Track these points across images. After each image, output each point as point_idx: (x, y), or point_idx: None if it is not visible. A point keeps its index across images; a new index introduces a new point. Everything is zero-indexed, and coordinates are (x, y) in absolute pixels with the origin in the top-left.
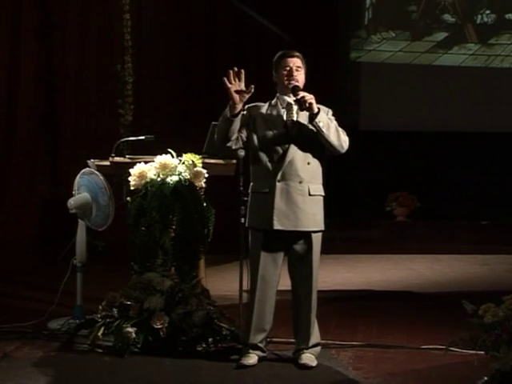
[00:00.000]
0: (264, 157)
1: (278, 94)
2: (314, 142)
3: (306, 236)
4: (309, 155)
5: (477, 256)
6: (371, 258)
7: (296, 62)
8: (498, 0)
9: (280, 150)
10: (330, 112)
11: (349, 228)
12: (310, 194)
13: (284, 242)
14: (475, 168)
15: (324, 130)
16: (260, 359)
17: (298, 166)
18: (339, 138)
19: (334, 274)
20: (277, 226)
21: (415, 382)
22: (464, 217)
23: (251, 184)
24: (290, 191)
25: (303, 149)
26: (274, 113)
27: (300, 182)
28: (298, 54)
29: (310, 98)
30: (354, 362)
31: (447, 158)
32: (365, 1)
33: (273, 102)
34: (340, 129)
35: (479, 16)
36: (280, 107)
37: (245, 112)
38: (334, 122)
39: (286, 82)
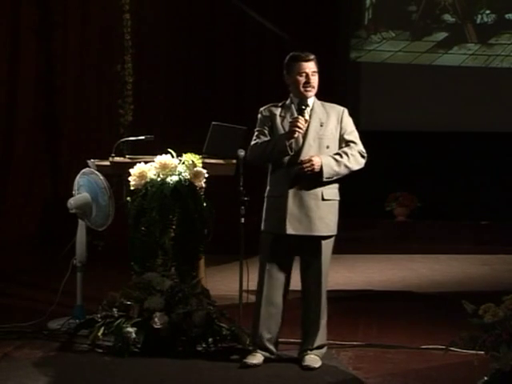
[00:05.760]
0: (279, 161)
1: (291, 95)
2: (328, 145)
3: (317, 240)
4: None
5: (477, 256)
6: (371, 257)
7: (312, 67)
8: (498, 0)
9: (293, 153)
10: (346, 112)
11: (349, 228)
12: (323, 199)
13: (295, 245)
14: (475, 168)
15: (335, 178)
16: (266, 360)
17: None
18: (351, 168)
19: (335, 274)
20: (289, 230)
21: (415, 382)
22: (464, 217)
23: (267, 188)
24: (302, 196)
25: (316, 152)
26: (289, 115)
27: (313, 187)
28: (312, 56)
29: (311, 166)
30: (354, 362)
31: (447, 158)
32: (365, 1)
33: (287, 102)
34: (355, 150)
35: (479, 16)
36: (294, 109)
37: (260, 116)
38: (351, 136)
39: (303, 89)
